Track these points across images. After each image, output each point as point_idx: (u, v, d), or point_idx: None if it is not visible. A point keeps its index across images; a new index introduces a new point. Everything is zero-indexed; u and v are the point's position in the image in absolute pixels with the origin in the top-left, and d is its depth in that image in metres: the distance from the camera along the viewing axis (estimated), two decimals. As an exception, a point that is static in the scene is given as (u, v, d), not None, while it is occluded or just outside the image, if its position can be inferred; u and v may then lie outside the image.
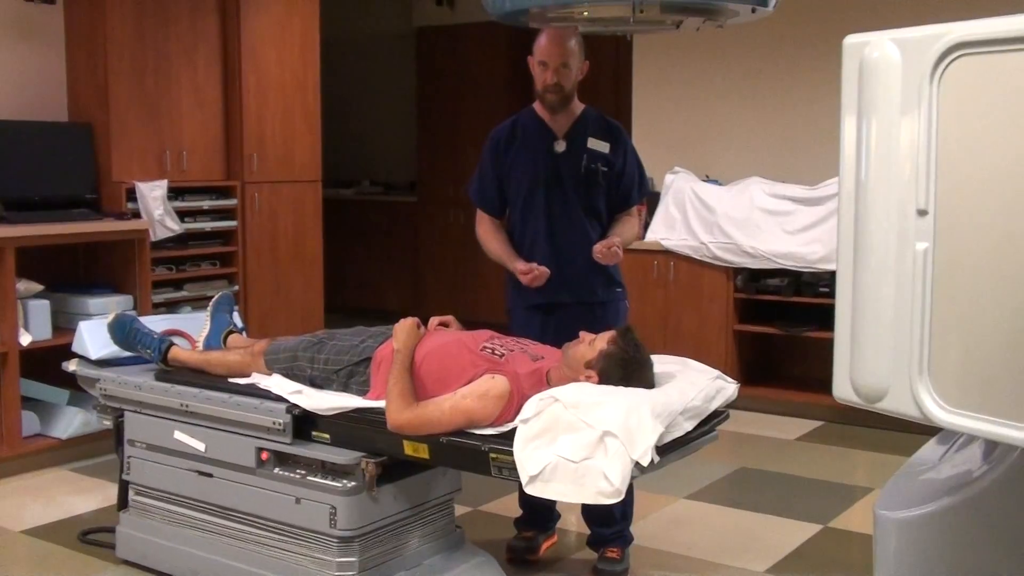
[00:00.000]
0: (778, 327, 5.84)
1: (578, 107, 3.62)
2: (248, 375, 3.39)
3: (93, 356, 3.73)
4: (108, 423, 3.70)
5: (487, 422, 2.88)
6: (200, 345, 3.69)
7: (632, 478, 2.64)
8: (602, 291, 3.59)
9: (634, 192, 3.66)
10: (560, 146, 3.55)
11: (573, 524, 3.98)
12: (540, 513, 3.74)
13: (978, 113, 1.63)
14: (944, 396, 1.69)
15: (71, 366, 3.79)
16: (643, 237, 5.68)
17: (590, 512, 3.63)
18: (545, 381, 3.00)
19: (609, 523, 3.59)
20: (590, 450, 2.64)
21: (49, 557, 3.79)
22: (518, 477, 2.69)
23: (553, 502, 3.66)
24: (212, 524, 3.36)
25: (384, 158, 9.26)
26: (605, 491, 2.60)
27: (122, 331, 3.62)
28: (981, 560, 2.00)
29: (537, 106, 3.62)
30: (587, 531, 3.72)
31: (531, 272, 3.47)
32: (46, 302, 4.81)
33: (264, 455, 3.20)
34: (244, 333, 3.85)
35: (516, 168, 3.60)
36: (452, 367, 3.04)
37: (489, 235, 3.68)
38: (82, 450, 4.88)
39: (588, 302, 3.56)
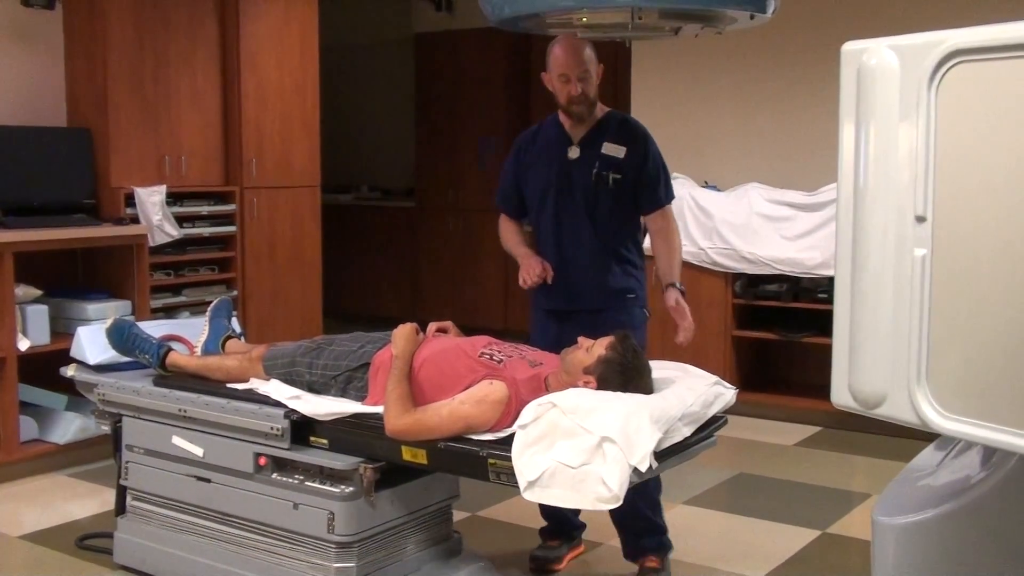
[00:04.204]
0: (776, 333, 5.84)
1: (601, 111, 3.57)
2: (246, 380, 3.39)
3: (91, 361, 3.72)
4: (106, 428, 3.70)
5: (485, 428, 2.88)
6: (198, 350, 3.69)
7: (630, 484, 2.64)
8: (608, 299, 3.53)
9: (660, 190, 3.57)
10: (574, 152, 3.52)
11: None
12: (561, 523, 3.74)
13: (976, 120, 1.63)
14: (942, 402, 1.69)
15: (69, 371, 3.79)
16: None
17: (623, 522, 3.57)
18: (544, 387, 3.00)
19: (651, 531, 3.57)
20: (588, 455, 2.64)
21: (47, 562, 3.78)
22: (516, 483, 2.69)
23: (576, 512, 3.67)
24: (210, 529, 3.36)
25: (382, 163, 9.26)
26: (603, 497, 2.60)
27: (120, 336, 3.61)
28: (980, 566, 2.00)
29: (560, 113, 3.59)
30: (614, 541, 3.69)
31: (528, 274, 3.43)
32: (44, 307, 4.81)
33: (262, 460, 3.20)
34: (242, 338, 3.85)
35: (532, 174, 3.61)
36: (450, 373, 3.04)
37: (505, 233, 3.72)
38: (80, 455, 4.87)
39: (596, 309, 3.51)
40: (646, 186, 3.54)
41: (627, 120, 3.64)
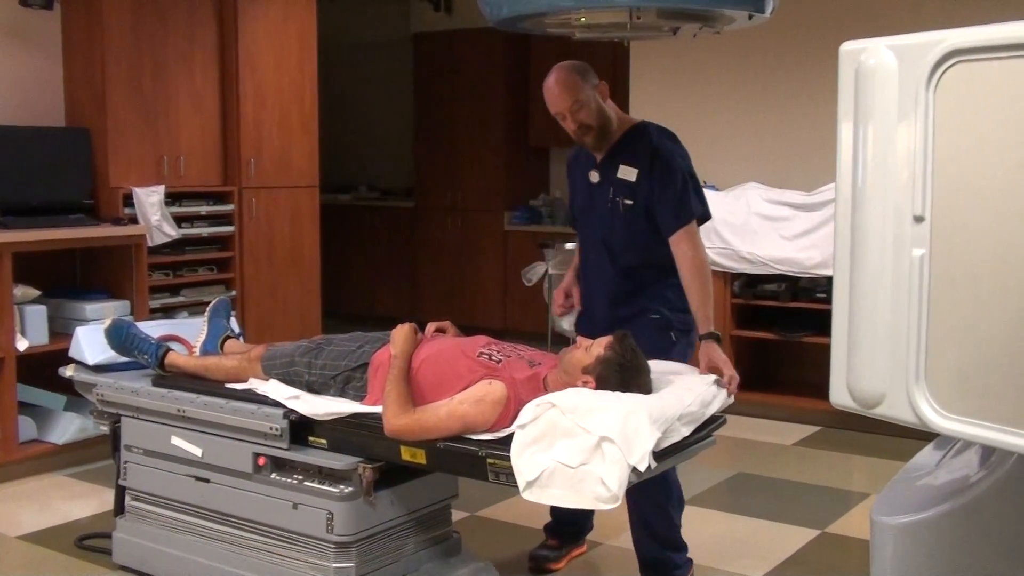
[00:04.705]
0: (775, 333, 5.84)
1: (622, 128, 3.40)
2: (245, 380, 3.39)
3: (90, 361, 3.72)
4: (105, 428, 3.70)
5: (484, 427, 2.88)
6: (197, 350, 3.68)
7: (629, 483, 2.64)
8: (624, 322, 3.30)
9: (674, 210, 3.28)
10: (594, 176, 3.43)
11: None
12: (569, 525, 3.74)
13: (974, 120, 1.63)
14: (940, 402, 1.70)
15: (68, 371, 3.79)
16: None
17: (645, 559, 3.54)
18: (542, 387, 3.00)
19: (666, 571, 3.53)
20: (587, 455, 2.64)
21: (45, 563, 3.78)
22: (515, 482, 2.69)
23: (586, 516, 3.70)
24: (209, 529, 3.36)
25: (381, 163, 9.26)
26: (602, 496, 2.60)
27: (119, 336, 3.61)
28: (978, 566, 2.00)
29: None
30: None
31: (556, 304, 3.68)
32: (43, 307, 4.81)
33: (261, 460, 3.20)
34: (241, 338, 3.85)
35: (572, 193, 3.65)
36: (449, 373, 3.04)
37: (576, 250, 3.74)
38: (79, 455, 4.87)
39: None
40: (656, 206, 3.31)
41: (644, 135, 3.39)
